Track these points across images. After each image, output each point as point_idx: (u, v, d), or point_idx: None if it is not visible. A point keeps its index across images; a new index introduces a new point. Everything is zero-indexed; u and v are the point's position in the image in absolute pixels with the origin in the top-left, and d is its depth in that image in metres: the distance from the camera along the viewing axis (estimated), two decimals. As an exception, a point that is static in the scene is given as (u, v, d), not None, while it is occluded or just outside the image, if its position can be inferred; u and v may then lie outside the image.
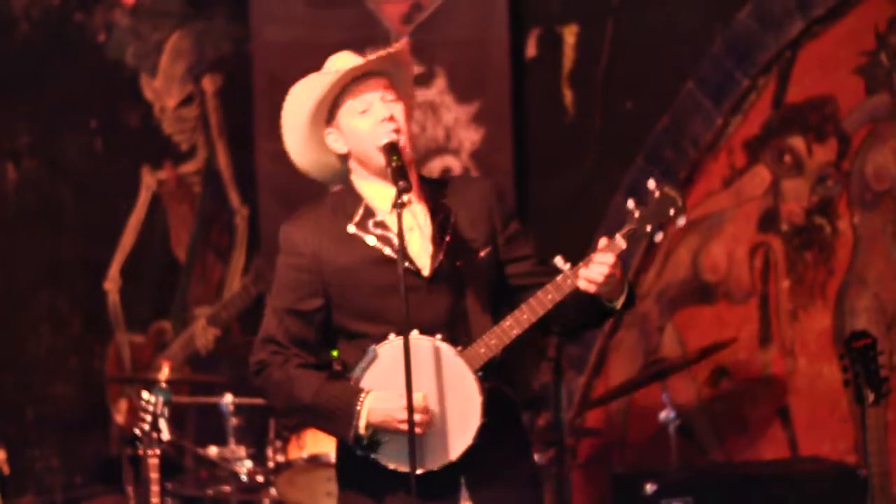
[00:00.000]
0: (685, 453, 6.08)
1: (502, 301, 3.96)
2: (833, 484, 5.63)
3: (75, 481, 6.84)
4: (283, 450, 5.83)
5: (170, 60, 7.22)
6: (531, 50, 6.91)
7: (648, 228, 3.79)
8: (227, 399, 6.08)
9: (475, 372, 3.81)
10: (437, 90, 6.94)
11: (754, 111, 6.34)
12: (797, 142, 6.24)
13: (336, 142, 3.95)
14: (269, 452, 5.91)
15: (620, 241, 3.77)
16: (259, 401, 5.71)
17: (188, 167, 7.31)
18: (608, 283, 3.77)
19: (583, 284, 3.77)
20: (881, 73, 6.01)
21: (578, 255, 3.84)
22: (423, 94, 6.88)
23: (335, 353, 3.96)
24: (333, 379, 3.88)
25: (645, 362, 6.58)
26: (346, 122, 3.91)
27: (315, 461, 5.68)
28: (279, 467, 5.83)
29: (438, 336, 3.81)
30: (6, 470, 4.72)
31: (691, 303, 6.52)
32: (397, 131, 3.86)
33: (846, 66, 6.08)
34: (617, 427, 6.67)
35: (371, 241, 3.88)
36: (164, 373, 5.94)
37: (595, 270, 3.75)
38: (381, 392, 3.79)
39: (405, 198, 3.74)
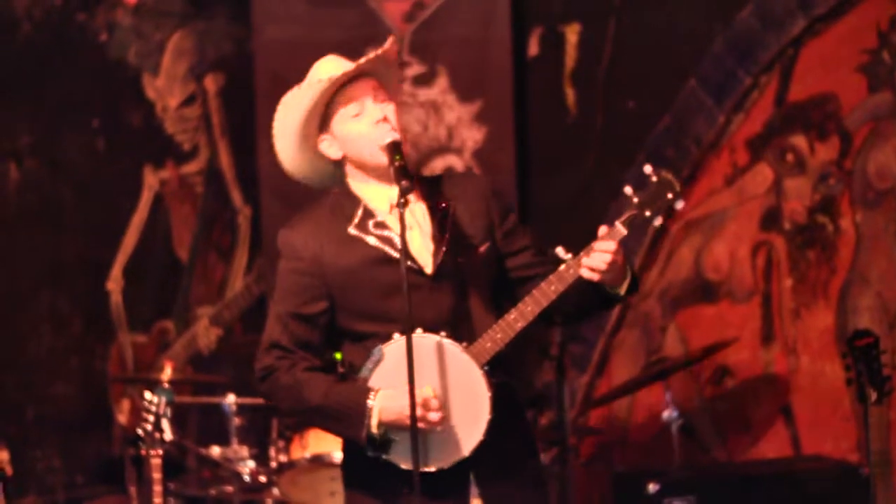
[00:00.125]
0: (688, 452, 6.08)
1: (504, 295, 3.95)
2: (836, 483, 5.64)
3: (77, 481, 6.84)
4: (286, 450, 5.83)
5: (172, 60, 7.22)
6: (533, 49, 6.91)
7: (648, 213, 3.77)
8: (230, 399, 6.07)
9: (482, 367, 3.80)
10: (438, 89, 6.94)
11: (756, 109, 6.34)
12: (799, 140, 6.23)
13: (330, 147, 3.94)
14: (272, 452, 5.91)
15: (621, 228, 3.76)
16: (261, 401, 5.70)
17: (190, 167, 7.30)
18: (611, 270, 3.76)
19: (586, 273, 3.76)
20: (883, 72, 6.00)
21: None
22: (425, 94, 6.88)
23: (338, 356, 3.95)
24: (342, 381, 3.87)
25: (647, 361, 6.58)
26: (341, 128, 3.91)
27: (318, 461, 5.68)
28: (282, 467, 5.83)
29: (443, 333, 3.80)
30: (9, 471, 4.70)
31: (694, 302, 6.51)
32: (394, 131, 3.86)
33: (848, 64, 6.07)
34: (619, 426, 6.66)
35: (372, 241, 3.87)
36: (167, 373, 5.92)
37: (597, 258, 3.75)
38: (390, 390, 3.77)
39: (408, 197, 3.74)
